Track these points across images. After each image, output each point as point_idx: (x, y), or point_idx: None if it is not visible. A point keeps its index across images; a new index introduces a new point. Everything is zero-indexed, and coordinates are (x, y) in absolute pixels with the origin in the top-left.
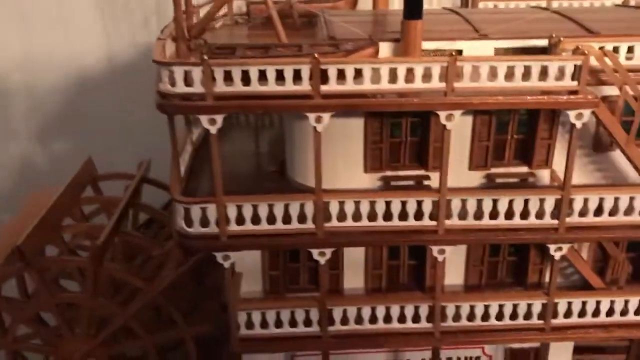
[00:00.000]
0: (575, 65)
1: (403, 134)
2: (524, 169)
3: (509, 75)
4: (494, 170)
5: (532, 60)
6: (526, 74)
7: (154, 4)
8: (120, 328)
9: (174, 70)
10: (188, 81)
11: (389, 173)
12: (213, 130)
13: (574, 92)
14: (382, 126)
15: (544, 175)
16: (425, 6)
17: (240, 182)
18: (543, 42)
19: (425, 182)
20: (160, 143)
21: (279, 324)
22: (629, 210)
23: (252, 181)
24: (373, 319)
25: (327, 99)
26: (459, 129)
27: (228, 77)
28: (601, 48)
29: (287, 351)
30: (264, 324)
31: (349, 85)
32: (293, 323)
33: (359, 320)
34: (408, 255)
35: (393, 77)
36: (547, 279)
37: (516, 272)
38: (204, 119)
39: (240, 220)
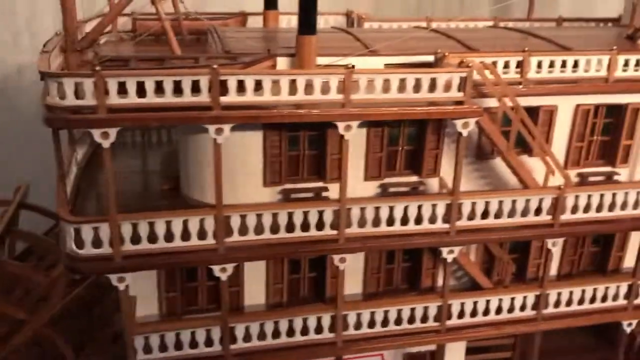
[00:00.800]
0: (460, 77)
1: (301, 147)
2: (414, 178)
3: (402, 87)
4: (387, 180)
5: (422, 72)
6: (416, 87)
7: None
8: None
9: (64, 82)
10: (79, 94)
11: (288, 186)
12: (106, 144)
13: (460, 103)
14: (281, 139)
15: (433, 183)
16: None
17: (132, 201)
18: (429, 58)
19: (324, 194)
20: (40, 166)
21: (178, 346)
22: (512, 213)
23: (143, 200)
24: (276, 334)
25: (227, 110)
26: (354, 141)
27: (122, 89)
28: (481, 63)
29: None
30: (163, 347)
31: (249, 97)
32: (194, 344)
33: (261, 335)
34: (308, 267)
35: (292, 89)
36: (439, 282)
37: (410, 278)
38: (96, 133)
39: (135, 239)
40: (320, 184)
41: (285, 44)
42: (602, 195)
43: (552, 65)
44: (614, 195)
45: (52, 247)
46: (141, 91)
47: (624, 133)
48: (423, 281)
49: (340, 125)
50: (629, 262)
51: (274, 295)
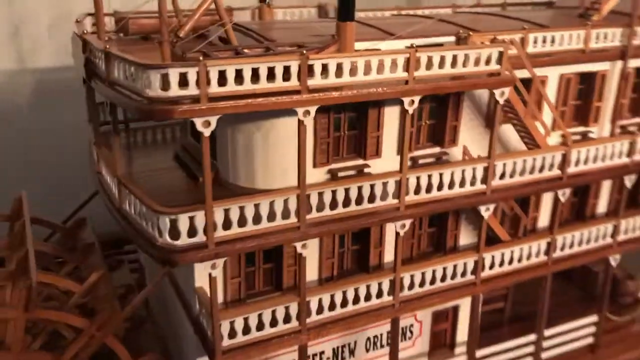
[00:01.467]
0: (499, 52)
1: (343, 128)
2: (437, 149)
3: (453, 63)
4: (415, 153)
5: (470, 49)
6: (465, 62)
7: None
8: None
9: (169, 73)
10: (182, 83)
11: (334, 166)
12: (207, 133)
13: (497, 74)
14: (329, 121)
15: (453, 152)
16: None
17: (179, 195)
18: (448, 39)
19: (366, 170)
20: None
21: (260, 326)
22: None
23: (189, 193)
24: (343, 303)
25: (312, 93)
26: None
27: (222, 78)
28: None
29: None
30: (246, 329)
31: (331, 80)
32: (273, 323)
33: (331, 306)
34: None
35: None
36: (386, 259)
37: (359, 259)
38: (198, 122)
39: (226, 225)
40: (360, 162)
41: (318, 33)
42: (597, 149)
43: (544, 40)
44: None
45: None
46: (238, 79)
47: (595, 96)
48: (372, 260)
49: (406, 101)
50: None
51: (326, 270)
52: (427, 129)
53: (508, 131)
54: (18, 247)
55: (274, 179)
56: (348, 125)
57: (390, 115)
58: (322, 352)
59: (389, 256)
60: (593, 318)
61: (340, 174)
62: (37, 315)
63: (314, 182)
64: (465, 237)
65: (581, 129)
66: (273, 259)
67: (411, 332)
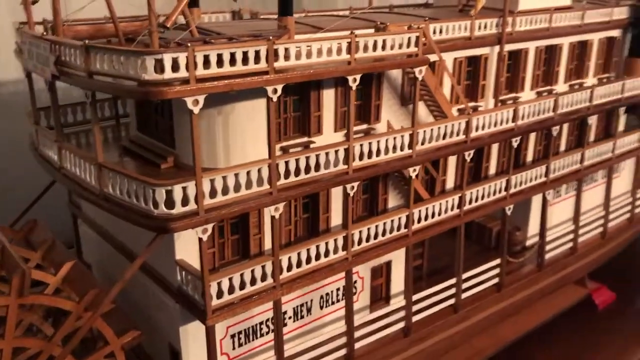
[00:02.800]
0: (416, 36)
1: (289, 110)
2: (365, 126)
3: (384, 47)
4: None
5: (398, 34)
6: (392, 46)
7: None
8: None
9: (164, 58)
10: (174, 68)
11: (284, 143)
12: (196, 110)
13: (416, 55)
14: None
15: (379, 127)
16: None
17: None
18: (366, 31)
19: (312, 146)
20: None
21: (242, 286)
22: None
23: (157, 178)
24: (307, 261)
25: (278, 74)
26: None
27: (206, 62)
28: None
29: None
30: (231, 289)
31: (292, 62)
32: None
33: (298, 264)
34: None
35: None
36: (333, 224)
37: (311, 226)
38: (189, 101)
39: (212, 194)
40: (306, 139)
41: (258, 28)
42: (490, 117)
43: (441, 30)
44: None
45: None
46: (219, 63)
47: (480, 77)
48: (321, 225)
49: (350, 79)
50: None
51: (284, 237)
52: (355, 108)
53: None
54: None
55: (234, 158)
56: (293, 107)
57: (328, 97)
58: (285, 312)
59: (335, 221)
60: (497, 261)
61: (291, 151)
62: (30, 300)
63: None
64: (392, 201)
65: (472, 104)
66: (239, 231)
67: (355, 287)
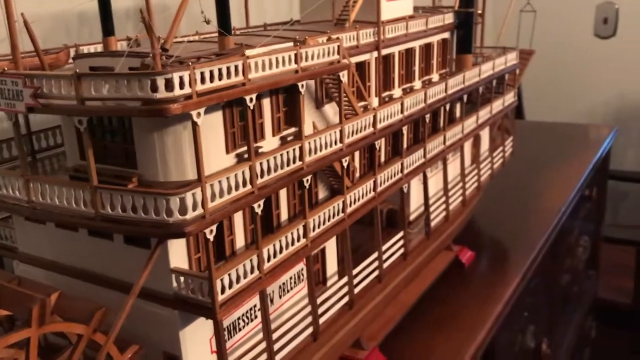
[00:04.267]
0: (338, 46)
1: (236, 120)
2: (293, 129)
3: (312, 57)
4: (284, 133)
5: (325, 45)
6: (319, 55)
7: None
8: None
9: (173, 77)
10: (180, 85)
11: (238, 150)
12: (199, 121)
13: (337, 62)
14: (232, 115)
15: (305, 129)
16: None
17: None
18: (286, 44)
19: (260, 150)
20: None
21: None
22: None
23: None
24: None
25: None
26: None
27: (202, 78)
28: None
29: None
30: (230, 285)
31: (259, 73)
32: None
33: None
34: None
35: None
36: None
37: (265, 224)
38: (194, 113)
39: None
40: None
41: (201, 49)
42: (385, 110)
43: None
44: (386, 111)
45: None
46: (211, 78)
47: (367, 79)
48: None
49: (299, 85)
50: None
51: (248, 236)
52: (284, 114)
53: (326, 109)
54: None
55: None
56: (240, 117)
57: (265, 106)
58: (255, 305)
59: (283, 216)
60: (401, 234)
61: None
62: (48, 329)
63: (228, 165)
64: (321, 193)
65: (363, 103)
66: (216, 235)
67: (302, 275)
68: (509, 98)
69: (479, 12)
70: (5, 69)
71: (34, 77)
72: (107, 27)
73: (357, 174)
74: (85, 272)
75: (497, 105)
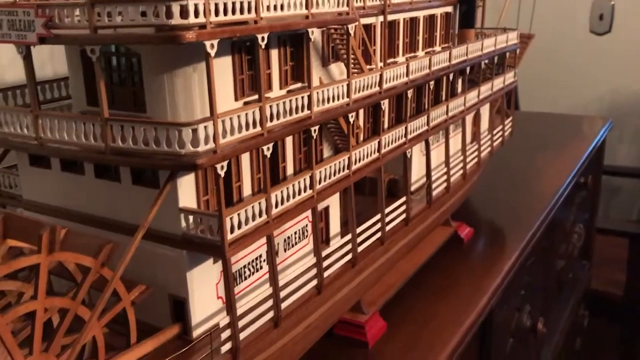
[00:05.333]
0: None
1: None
2: (300, 84)
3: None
4: (291, 87)
5: None
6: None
7: None
8: None
9: (188, 4)
10: (194, 14)
11: (247, 99)
12: (212, 53)
13: (346, 14)
14: (242, 62)
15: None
16: None
17: None
18: None
19: None
20: None
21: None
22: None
23: None
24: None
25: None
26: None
27: (217, 10)
28: None
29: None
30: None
31: (272, 13)
32: None
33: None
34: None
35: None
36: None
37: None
38: (207, 44)
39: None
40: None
41: None
42: (391, 71)
43: None
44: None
45: None
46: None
47: (372, 42)
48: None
49: (309, 31)
50: None
51: (255, 185)
52: (291, 68)
53: (332, 68)
54: None
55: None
56: (248, 66)
57: (273, 57)
58: (260, 255)
59: (289, 170)
60: (403, 199)
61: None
62: (57, 257)
63: None
64: (326, 152)
65: (368, 66)
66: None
67: (307, 230)
68: (510, 77)
69: None
70: (17, 0)
71: (46, 6)
72: None
73: (362, 137)
74: (91, 217)
75: (498, 83)
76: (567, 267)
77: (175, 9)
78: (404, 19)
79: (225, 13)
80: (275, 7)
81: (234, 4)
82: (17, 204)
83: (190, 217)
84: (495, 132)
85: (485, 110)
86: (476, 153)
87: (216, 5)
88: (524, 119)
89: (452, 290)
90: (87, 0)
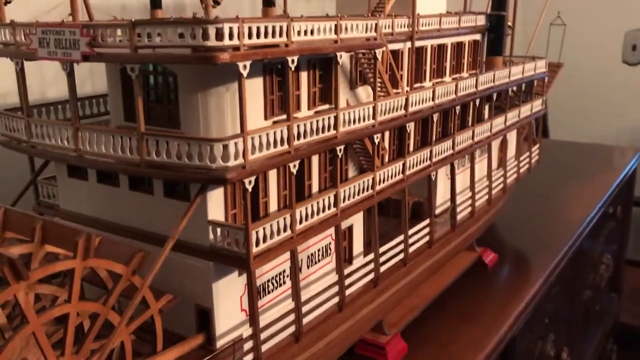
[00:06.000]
0: (375, 23)
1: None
2: (327, 105)
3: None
4: (319, 108)
5: (362, 21)
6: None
7: None
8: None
9: (224, 27)
10: (230, 36)
11: (276, 118)
12: (245, 73)
13: (374, 39)
14: (272, 83)
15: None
16: None
17: None
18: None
19: None
20: None
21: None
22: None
23: None
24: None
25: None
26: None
27: (250, 32)
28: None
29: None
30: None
31: (302, 37)
32: None
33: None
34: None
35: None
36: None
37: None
38: (240, 65)
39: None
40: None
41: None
42: (416, 96)
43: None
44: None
45: None
46: (257, 35)
47: (399, 67)
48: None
49: (337, 55)
50: None
51: (281, 201)
52: (319, 90)
53: (359, 91)
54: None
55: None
56: (278, 87)
57: (303, 79)
58: (284, 270)
59: (314, 188)
60: (427, 222)
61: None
62: (90, 263)
63: None
64: (351, 171)
65: (396, 90)
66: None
67: (330, 249)
68: (537, 105)
69: (509, 24)
70: (64, 20)
71: (91, 26)
72: (155, 1)
73: (387, 158)
74: (124, 227)
75: (525, 110)
76: (595, 298)
77: (212, 31)
78: (431, 45)
79: (258, 36)
80: (305, 32)
81: (266, 28)
82: (55, 214)
83: (218, 230)
84: (522, 158)
85: (512, 137)
86: (502, 179)
87: (249, 28)
88: (554, 147)
89: (474, 315)
90: (128, 21)
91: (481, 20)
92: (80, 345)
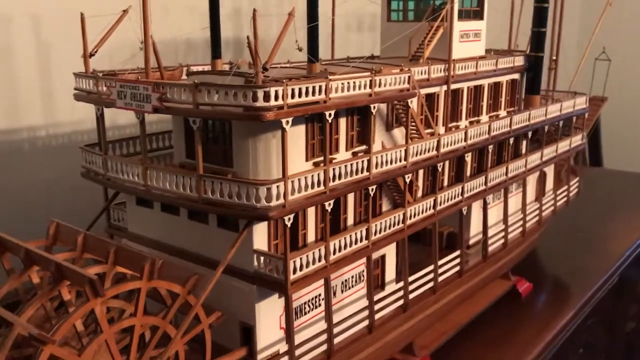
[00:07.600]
0: (408, 76)
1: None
2: (364, 147)
3: (386, 84)
4: (355, 149)
5: (398, 74)
6: (392, 83)
7: None
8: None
9: (271, 91)
10: (275, 97)
11: (316, 160)
12: (287, 127)
13: (407, 90)
14: (314, 128)
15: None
16: None
17: None
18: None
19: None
20: None
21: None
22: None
23: None
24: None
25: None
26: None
27: (292, 93)
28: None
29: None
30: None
31: (338, 94)
32: None
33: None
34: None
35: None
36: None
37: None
38: (284, 121)
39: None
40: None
41: (290, 73)
42: (451, 137)
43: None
44: (450, 137)
45: None
46: (299, 94)
47: (435, 109)
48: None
49: (371, 106)
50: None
51: (318, 233)
52: (357, 133)
53: (395, 133)
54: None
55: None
56: (319, 132)
57: (341, 124)
58: (320, 294)
59: (349, 221)
60: (457, 252)
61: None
62: (153, 284)
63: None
64: (385, 206)
65: (430, 130)
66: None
67: (363, 276)
68: (576, 140)
69: (554, 58)
70: (139, 77)
71: (161, 84)
72: (216, 51)
73: (420, 193)
74: (182, 250)
75: (563, 145)
76: (639, 330)
77: (260, 94)
78: (468, 87)
79: (300, 96)
80: (342, 89)
81: (307, 88)
82: (123, 235)
83: (262, 258)
84: (559, 192)
85: (550, 171)
86: (537, 212)
87: (292, 90)
88: (604, 175)
89: (504, 342)
90: (192, 82)
91: (520, 61)
92: (142, 352)
